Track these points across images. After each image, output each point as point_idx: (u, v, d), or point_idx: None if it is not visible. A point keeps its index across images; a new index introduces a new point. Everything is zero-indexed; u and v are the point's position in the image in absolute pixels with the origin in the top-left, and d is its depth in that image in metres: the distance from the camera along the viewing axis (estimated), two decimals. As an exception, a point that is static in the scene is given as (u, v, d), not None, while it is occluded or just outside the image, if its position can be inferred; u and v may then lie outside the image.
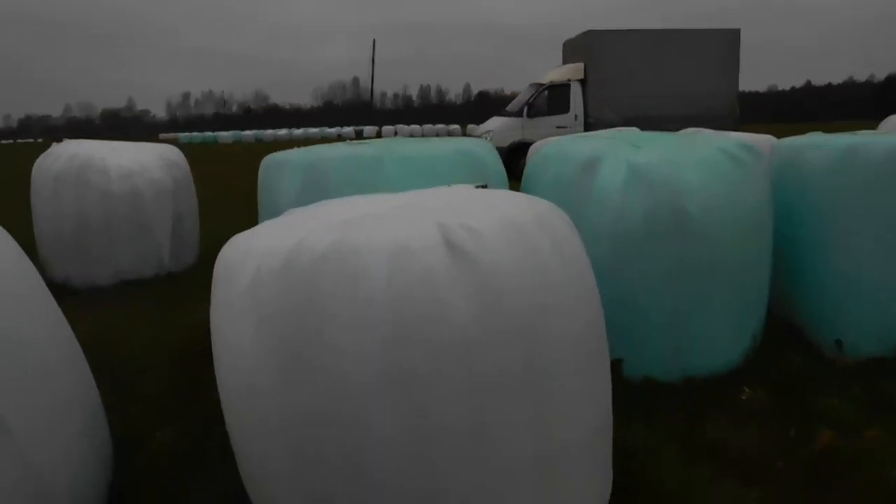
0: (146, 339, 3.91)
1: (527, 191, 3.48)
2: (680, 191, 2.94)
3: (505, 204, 1.98)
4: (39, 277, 2.28)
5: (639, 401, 2.80)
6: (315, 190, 3.00)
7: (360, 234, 1.74)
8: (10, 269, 2.11)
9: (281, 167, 3.23)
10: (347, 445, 1.68)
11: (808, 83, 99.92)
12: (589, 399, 1.90)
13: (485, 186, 2.38)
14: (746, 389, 2.82)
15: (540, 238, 1.82)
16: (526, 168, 3.64)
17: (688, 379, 3.00)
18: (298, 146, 3.62)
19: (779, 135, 4.56)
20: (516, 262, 1.71)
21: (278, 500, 1.92)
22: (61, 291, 5.15)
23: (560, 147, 3.41)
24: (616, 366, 2.94)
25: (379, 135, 53.66)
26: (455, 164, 3.21)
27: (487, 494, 1.73)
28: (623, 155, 3.09)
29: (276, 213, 2.98)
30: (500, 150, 15.22)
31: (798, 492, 2.23)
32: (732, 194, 3.04)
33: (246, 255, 1.89)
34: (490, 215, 1.83)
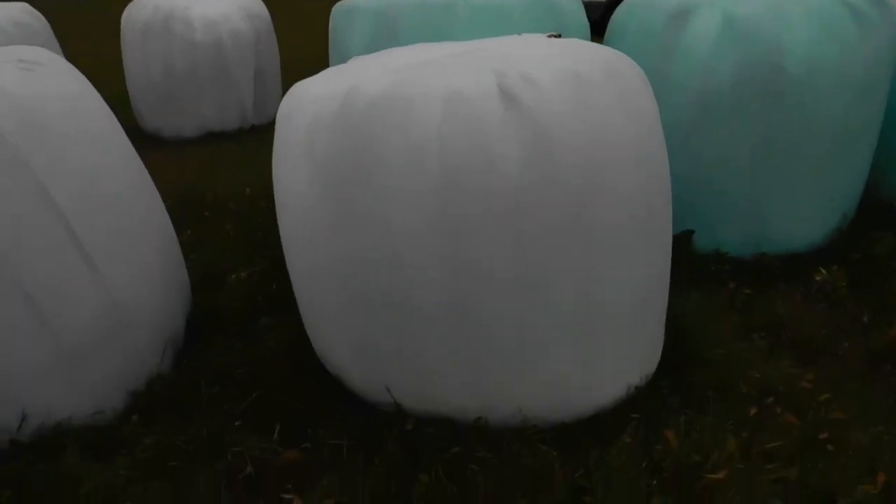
0: (226, 187, 4.07)
1: (609, 43, 3.25)
2: (780, 48, 2.64)
3: (572, 53, 1.85)
4: (111, 114, 2.34)
5: (705, 273, 2.70)
6: (385, 38, 2.91)
7: (414, 81, 1.69)
8: (85, 106, 2.18)
9: (350, 14, 3.15)
10: (392, 286, 1.72)
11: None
12: (640, 262, 1.83)
13: (558, 36, 2.24)
14: (822, 270, 2.66)
15: (604, 91, 1.70)
16: (612, 16, 3.36)
17: (762, 255, 2.86)
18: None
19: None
20: (573, 114, 1.61)
21: (329, 338, 2.01)
22: (153, 141, 5.37)
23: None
24: (686, 237, 2.84)
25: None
26: (533, 13, 3.01)
27: (526, 343, 1.74)
28: (720, 4, 2.80)
29: (345, 61, 2.95)
30: (599, 5, 14.02)
31: (855, 377, 2.11)
32: (845, 55, 2.66)
33: (304, 101, 1.88)
34: (552, 64, 1.72)
